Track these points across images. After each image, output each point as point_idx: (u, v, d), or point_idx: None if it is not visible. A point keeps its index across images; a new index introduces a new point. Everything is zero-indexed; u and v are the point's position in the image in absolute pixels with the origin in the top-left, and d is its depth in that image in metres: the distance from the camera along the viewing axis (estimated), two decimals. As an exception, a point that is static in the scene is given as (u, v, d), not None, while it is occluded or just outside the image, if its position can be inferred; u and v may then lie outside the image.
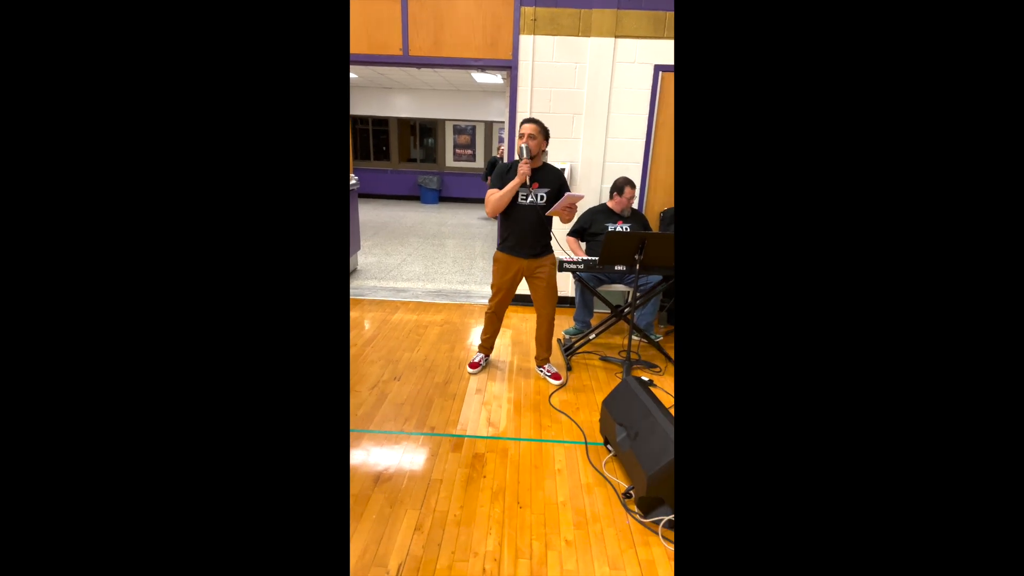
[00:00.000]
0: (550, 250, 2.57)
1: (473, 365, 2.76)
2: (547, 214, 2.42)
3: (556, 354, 3.02)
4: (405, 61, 3.51)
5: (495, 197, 2.41)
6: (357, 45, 3.49)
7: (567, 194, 2.34)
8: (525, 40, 3.42)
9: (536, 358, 2.77)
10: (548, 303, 2.58)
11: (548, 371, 2.72)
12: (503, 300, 2.63)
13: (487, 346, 2.79)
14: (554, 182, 2.45)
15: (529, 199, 2.43)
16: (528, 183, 2.39)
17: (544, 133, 2.39)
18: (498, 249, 2.59)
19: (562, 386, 2.65)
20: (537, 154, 2.38)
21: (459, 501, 1.77)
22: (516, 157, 2.41)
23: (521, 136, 2.37)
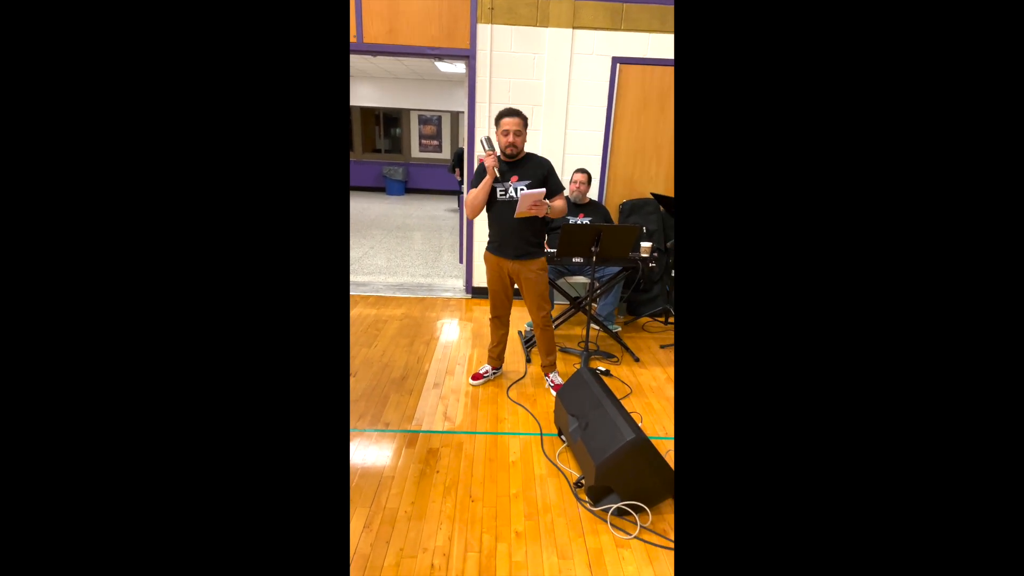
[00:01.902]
0: (539, 253, 2.34)
1: (476, 376, 2.58)
2: (515, 216, 2.20)
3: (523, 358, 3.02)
4: (359, 48, 3.42)
5: (470, 197, 2.27)
6: (309, 31, 3.38)
7: (523, 192, 2.13)
8: (483, 29, 3.38)
9: (540, 366, 2.60)
10: (535, 309, 2.41)
11: (552, 381, 2.53)
12: (496, 303, 2.46)
13: (492, 356, 2.59)
14: (536, 174, 2.23)
15: (508, 194, 2.22)
16: (500, 176, 2.19)
17: (525, 123, 2.22)
18: (486, 249, 2.42)
19: (521, 379, 2.66)
20: (521, 149, 2.21)
21: (411, 497, 1.76)
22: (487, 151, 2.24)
23: (506, 134, 2.17)
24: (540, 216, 2.23)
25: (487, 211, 2.34)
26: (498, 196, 2.26)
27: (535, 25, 3.39)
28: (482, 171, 2.26)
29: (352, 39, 3.40)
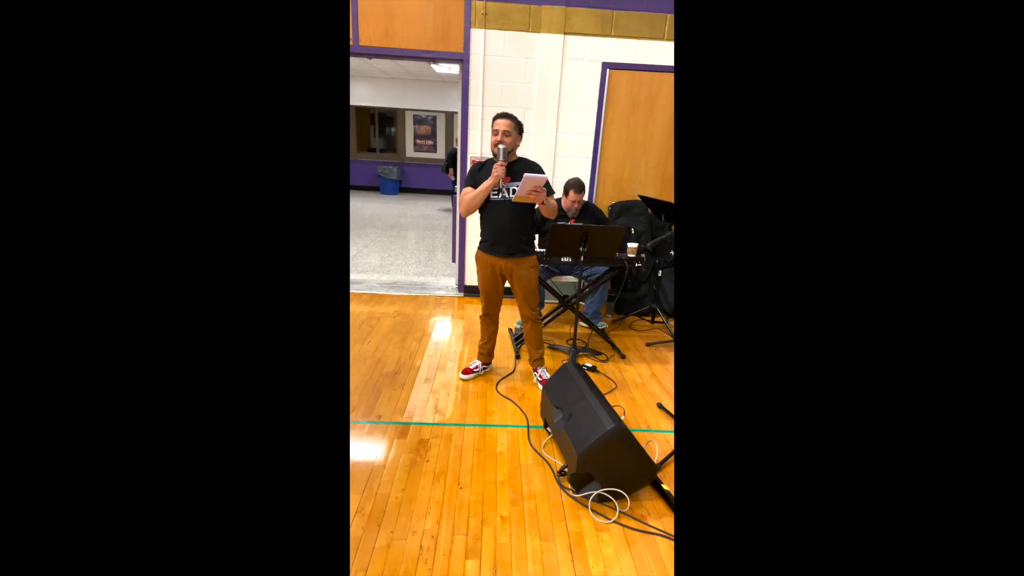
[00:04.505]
0: (531, 251, 2.46)
1: (466, 371, 2.66)
2: (514, 200, 2.31)
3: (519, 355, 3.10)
4: (355, 51, 3.49)
5: (468, 197, 2.34)
6: (305, 33, 3.44)
7: (526, 175, 2.20)
8: (476, 34, 3.46)
9: (529, 360, 2.70)
10: (524, 304, 2.52)
11: (540, 375, 2.63)
12: (488, 301, 2.56)
13: (483, 352, 2.69)
14: (521, 176, 2.29)
15: (501, 195, 2.34)
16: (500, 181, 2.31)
17: (518, 128, 2.33)
18: (477, 248, 2.52)
19: (510, 374, 2.75)
20: (511, 150, 2.31)
21: (401, 484, 1.84)
22: (492, 155, 2.32)
23: (495, 133, 2.27)
24: (537, 203, 2.29)
25: (480, 211, 2.43)
26: (491, 196, 2.36)
27: (527, 31, 3.48)
28: (481, 171, 2.37)
29: (349, 42, 3.46)
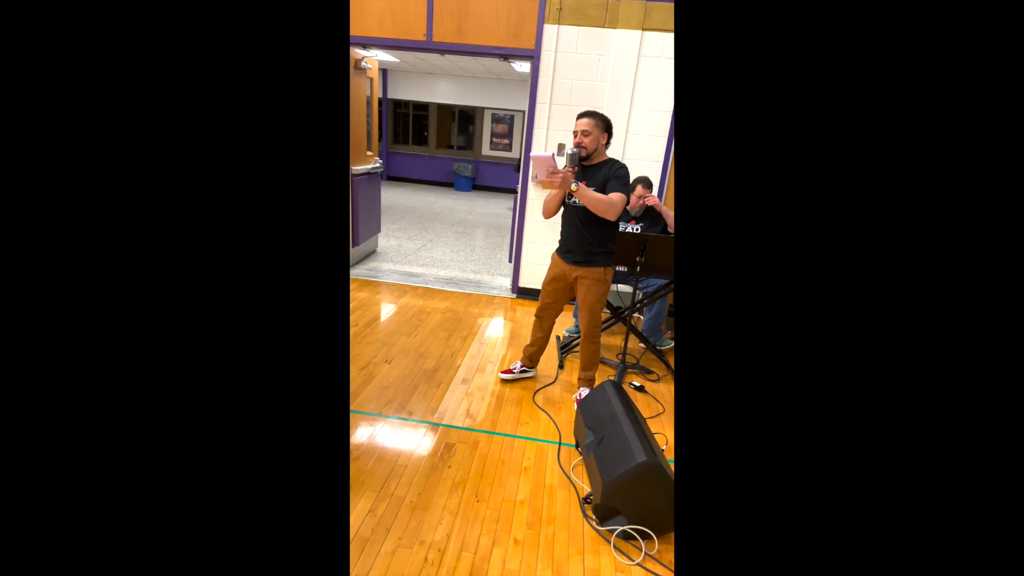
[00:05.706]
0: (598, 263, 2.22)
1: (506, 371, 2.59)
2: (541, 187, 2.14)
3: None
4: (428, 47, 3.52)
5: (545, 199, 2.26)
6: (382, 29, 3.53)
7: (532, 155, 2.01)
8: (549, 30, 3.35)
9: (577, 378, 2.53)
10: (584, 319, 2.33)
11: (580, 395, 2.44)
12: (543, 302, 2.43)
13: (526, 355, 2.57)
14: (599, 179, 2.12)
15: (572, 199, 2.19)
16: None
17: (601, 125, 2.12)
18: (555, 250, 2.41)
19: (550, 384, 2.62)
20: (594, 151, 2.12)
21: (418, 488, 1.79)
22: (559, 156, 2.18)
23: (575, 134, 2.12)
24: (561, 189, 2.07)
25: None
26: (566, 199, 2.23)
27: (603, 26, 3.32)
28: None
29: (422, 38, 3.50)
